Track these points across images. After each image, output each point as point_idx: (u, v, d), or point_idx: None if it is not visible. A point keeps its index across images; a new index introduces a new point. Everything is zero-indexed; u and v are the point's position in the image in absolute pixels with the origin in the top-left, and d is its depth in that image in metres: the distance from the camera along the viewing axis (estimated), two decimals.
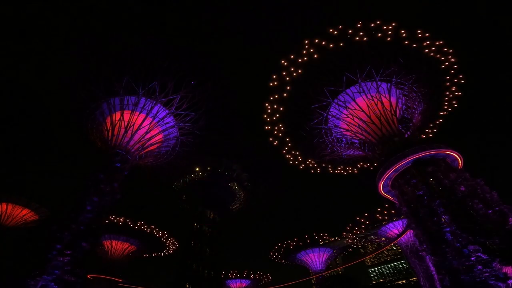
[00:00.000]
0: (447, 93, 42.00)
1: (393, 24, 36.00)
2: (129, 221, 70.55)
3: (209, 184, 65.43)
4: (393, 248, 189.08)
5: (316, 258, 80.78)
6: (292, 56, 38.46)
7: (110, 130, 37.54)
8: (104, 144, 38.19)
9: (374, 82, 38.21)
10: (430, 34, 36.92)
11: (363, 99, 38.64)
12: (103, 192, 32.34)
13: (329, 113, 40.94)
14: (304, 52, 38.01)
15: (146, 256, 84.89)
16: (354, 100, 39.03)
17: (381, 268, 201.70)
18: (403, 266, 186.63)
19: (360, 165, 51.76)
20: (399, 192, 34.08)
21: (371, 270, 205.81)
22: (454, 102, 43.37)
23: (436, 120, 46.75)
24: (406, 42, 36.76)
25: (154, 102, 38.41)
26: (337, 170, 51.76)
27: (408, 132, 36.74)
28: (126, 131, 37.55)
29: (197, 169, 65.10)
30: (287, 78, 39.34)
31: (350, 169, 52.44)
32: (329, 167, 50.73)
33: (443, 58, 38.42)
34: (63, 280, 25.91)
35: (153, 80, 37.51)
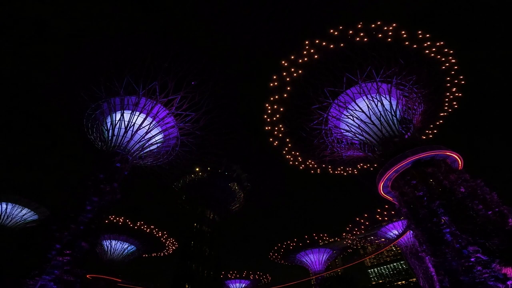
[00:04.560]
0: (448, 94, 42.12)
1: (394, 25, 36.04)
2: (128, 221, 70.54)
3: (209, 184, 65.46)
4: (392, 249, 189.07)
5: (315, 259, 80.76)
6: (292, 57, 38.49)
7: (111, 130, 37.59)
8: (104, 144, 38.21)
9: (375, 83, 38.27)
10: (431, 35, 37.03)
11: (363, 99, 38.70)
12: (103, 192, 32.32)
13: (329, 113, 40.98)
14: (305, 52, 38.05)
15: (146, 256, 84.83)
16: (355, 101, 39.09)
17: (380, 269, 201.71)
18: (402, 267, 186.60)
19: (360, 165, 51.74)
20: (399, 193, 34.04)
21: (371, 271, 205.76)
22: (455, 103, 43.52)
23: (436, 121, 46.82)
24: (407, 43, 36.79)
25: (155, 102, 38.46)
26: (337, 170, 51.72)
27: (409, 133, 36.72)
28: (126, 131, 37.60)
29: (197, 169, 65.12)
30: (288, 79, 39.34)
31: (350, 170, 52.42)
32: (329, 168, 50.68)
33: (443, 59, 38.51)
34: (62, 280, 25.89)
35: (154, 80, 37.56)
